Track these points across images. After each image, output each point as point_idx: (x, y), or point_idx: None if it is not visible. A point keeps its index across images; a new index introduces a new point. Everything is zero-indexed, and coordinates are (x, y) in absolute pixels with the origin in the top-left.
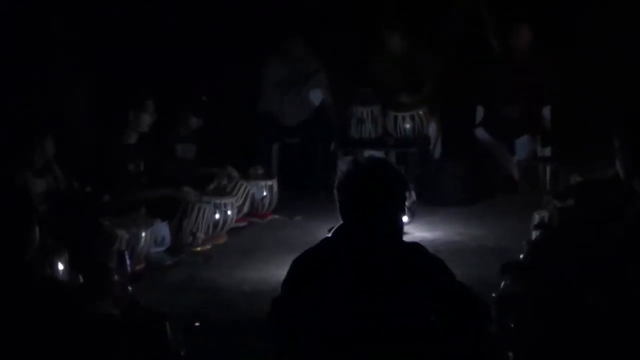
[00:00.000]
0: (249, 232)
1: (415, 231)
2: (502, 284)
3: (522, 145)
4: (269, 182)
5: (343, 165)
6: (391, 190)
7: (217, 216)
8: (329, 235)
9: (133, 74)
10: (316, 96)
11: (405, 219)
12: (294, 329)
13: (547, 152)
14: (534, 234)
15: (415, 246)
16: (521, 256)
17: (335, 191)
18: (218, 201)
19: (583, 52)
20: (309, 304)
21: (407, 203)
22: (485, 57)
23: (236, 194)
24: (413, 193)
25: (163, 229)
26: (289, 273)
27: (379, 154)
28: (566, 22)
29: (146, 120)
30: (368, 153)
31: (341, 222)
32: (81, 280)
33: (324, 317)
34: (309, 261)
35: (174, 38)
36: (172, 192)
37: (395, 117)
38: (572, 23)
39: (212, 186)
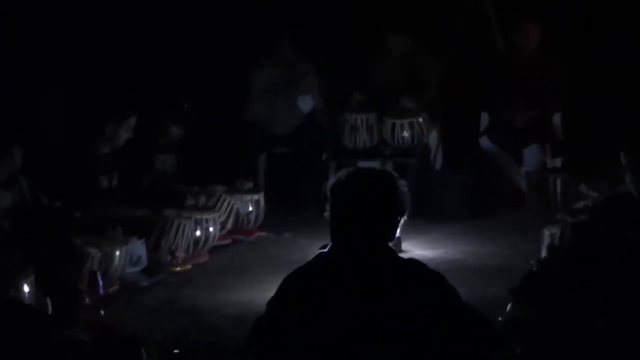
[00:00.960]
0: (233, 251)
1: (414, 249)
2: (509, 307)
3: (531, 155)
4: (255, 196)
5: (334, 177)
6: (389, 203)
7: (198, 233)
8: (324, 251)
9: (108, 78)
10: (305, 103)
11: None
12: (278, 350)
13: (558, 162)
14: (544, 253)
15: (415, 262)
16: (530, 277)
17: (327, 207)
18: (199, 217)
19: (597, 53)
20: (299, 323)
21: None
22: (490, 58)
23: (219, 209)
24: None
25: (139, 248)
26: (278, 291)
27: (374, 164)
28: (578, 20)
29: (123, 136)
30: (363, 164)
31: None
32: (49, 303)
33: (316, 337)
34: (301, 278)
35: (154, 38)
36: (150, 214)
37: (393, 125)
38: (584, 21)
39: (190, 201)
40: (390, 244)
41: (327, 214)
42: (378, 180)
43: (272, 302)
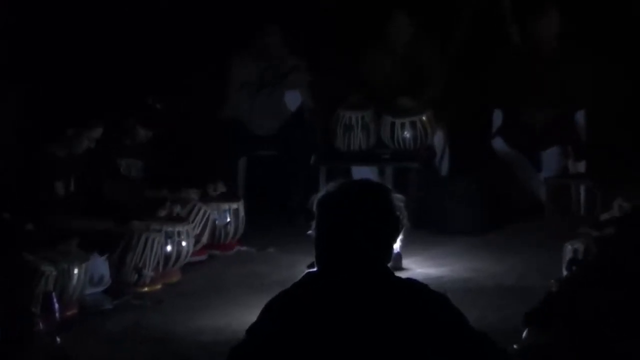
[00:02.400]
0: (208, 268)
1: (416, 266)
2: (525, 333)
3: (550, 158)
4: (234, 205)
5: (321, 192)
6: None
7: (168, 248)
8: (312, 270)
9: (70, 75)
10: (293, 99)
11: (396, 248)
12: None
13: (581, 167)
14: (565, 271)
15: (415, 284)
16: (548, 298)
17: (313, 224)
18: (170, 229)
19: (625, 41)
20: (283, 354)
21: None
22: (504, 49)
23: (193, 220)
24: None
25: (101, 265)
26: (260, 316)
27: (371, 169)
28: (603, 6)
29: (84, 144)
30: (358, 169)
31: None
32: None
33: None
34: (286, 302)
35: (120, 31)
36: (114, 222)
37: (393, 124)
38: (610, 5)
39: (162, 211)
40: (389, 264)
41: (311, 232)
42: (370, 195)
43: (253, 328)
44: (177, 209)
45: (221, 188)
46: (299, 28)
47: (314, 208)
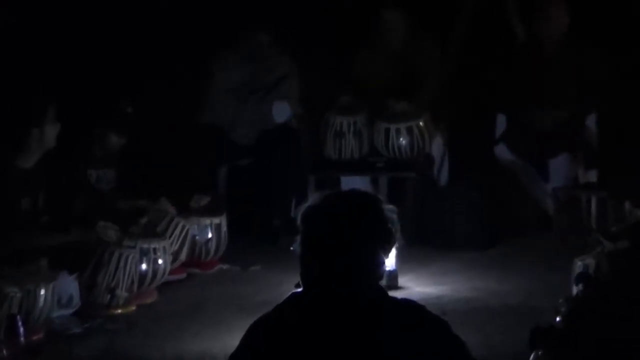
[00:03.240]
0: (187, 288)
1: (414, 285)
2: (532, 356)
3: (559, 167)
4: (216, 220)
5: (306, 205)
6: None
7: (144, 266)
8: (299, 290)
9: (32, 78)
10: (282, 111)
11: (391, 264)
12: None
13: (593, 176)
14: (575, 288)
15: (410, 305)
16: (557, 318)
17: (297, 239)
18: (145, 246)
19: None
20: None
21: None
22: (508, 47)
23: (170, 236)
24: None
25: (70, 285)
26: (242, 341)
27: (364, 179)
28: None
29: (51, 133)
30: (349, 179)
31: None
32: None
33: None
34: (271, 326)
35: (89, 28)
36: (83, 236)
37: (387, 130)
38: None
39: (137, 226)
40: (383, 282)
41: (295, 247)
42: (358, 206)
43: (236, 354)
44: (149, 224)
45: (204, 200)
46: (286, 26)
47: (299, 221)
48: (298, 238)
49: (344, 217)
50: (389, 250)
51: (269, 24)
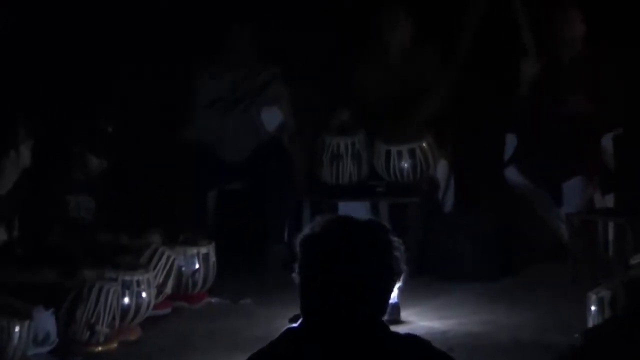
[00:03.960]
0: (173, 323)
1: (417, 319)
2: None
3: (573, 191)
4: (204, 249)
5: (306, 230)
6: (375, 262)
7: (126, 300)
8: (294, 325)
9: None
10: (272, 117)
11: (393, 297)
12: None
13: (610, 201)
14: (591, 322)
15: (415, 340)
16: (572, 355)
17: (296, 266)
18: (128, 278)
19: None
20: None
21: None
22: (517, 59)
23: (155, 267)
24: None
25: (47, 321)
26: None
27: (363, 206)
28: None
29: (25, 151)
30: (347, 205)
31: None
32: None
33: None
34: None
35: (66, 43)
36: (61, 271)
37: (388, 152)
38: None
39: (119, 258)
40: (385, 317)
41: (295, 275)
42: (365, 235)
43: None
44: (132, 255)
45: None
46: (275, 35)
47: (298, 248)
48: (297, 266)
49: (348, 246)
50: (394, 284)
51: (252, 28)
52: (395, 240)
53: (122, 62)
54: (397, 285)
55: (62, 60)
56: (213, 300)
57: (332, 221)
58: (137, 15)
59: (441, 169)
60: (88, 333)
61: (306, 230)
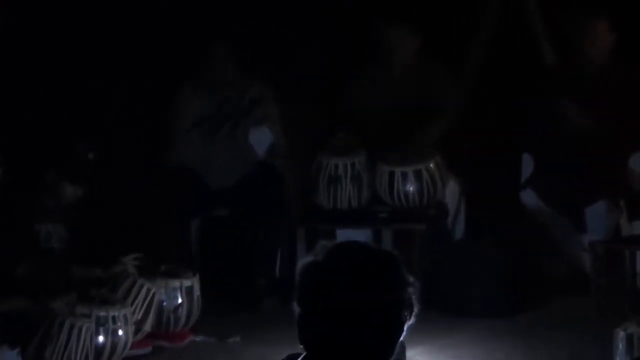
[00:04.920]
0: None
1: (424, 359)
2: None
3: (597, 216)
4: (187, 282)
5: (308, 257)
6: (383, 296)
7: (100, 338)
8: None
9: None
10: (261, 138)
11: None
12: None
13: (637, 227)
14: None
15: None
16: None
17: (294, 302)
18: (103, 314)
19: None
20: None
21: (410, 316)
22: (535, 74)
23: (133, 302)
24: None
25: None
26: None
27: (364, 232)
28: None
29: None
30: (345, 232)
31: (301, 346)
32: None
33: None
34: None
35: (42, 62)
36: (29, 306)
37: (391, 174)
38: None
39: (93, 291)
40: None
41: (295, 307)
42: (376, 266)
43: None
44: (108, 288)
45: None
46: (266, 52)
47: (297, 279)
48: (296, 296)
49: (357, 278)
50: (405, 322)
51: (236, 44)
52: (408, 275)
53: (101, 85)
54: (408, 323)
55: (37, 85)
56: (197, 338)
57: (338, 248)
58: (117, 37)
59: (450, 193)
60: None
61: (308, 257)
